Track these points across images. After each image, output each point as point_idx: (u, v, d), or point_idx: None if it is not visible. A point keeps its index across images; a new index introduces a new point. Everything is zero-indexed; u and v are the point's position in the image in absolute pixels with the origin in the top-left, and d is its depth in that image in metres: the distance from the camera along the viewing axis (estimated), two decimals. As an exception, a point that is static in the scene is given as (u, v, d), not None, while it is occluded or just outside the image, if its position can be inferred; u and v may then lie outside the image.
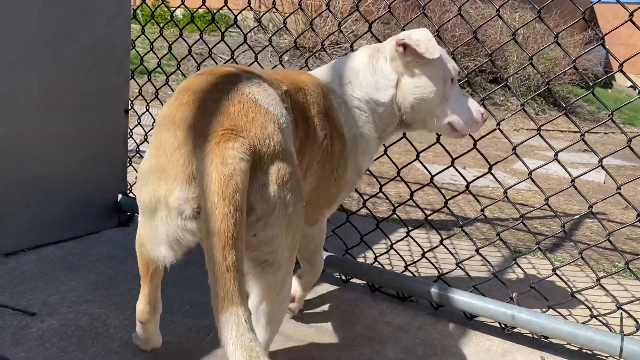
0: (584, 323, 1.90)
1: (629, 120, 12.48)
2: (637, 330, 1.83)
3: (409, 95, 1.69)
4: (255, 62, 2.55)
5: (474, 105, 1.77)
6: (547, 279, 2.22)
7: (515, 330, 2.05)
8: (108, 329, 1.91)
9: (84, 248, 2.60)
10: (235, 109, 1.20)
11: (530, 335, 2.04)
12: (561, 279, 2.07)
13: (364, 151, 1.77)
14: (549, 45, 1.91)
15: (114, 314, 2.01)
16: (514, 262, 2.12)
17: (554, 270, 2.00)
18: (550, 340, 2.00)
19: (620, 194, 1.83)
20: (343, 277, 2.41)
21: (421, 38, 1.62)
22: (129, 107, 2.88)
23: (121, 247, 2.65)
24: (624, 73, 1.83)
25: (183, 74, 3.05)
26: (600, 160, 1.88)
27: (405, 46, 1.64)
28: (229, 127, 1.15)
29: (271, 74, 1.58)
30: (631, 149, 1.81)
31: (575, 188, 1.92)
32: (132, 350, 1.79)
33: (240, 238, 1.08)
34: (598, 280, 1.91)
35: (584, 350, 1.95)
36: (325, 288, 2.37)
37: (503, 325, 2.06)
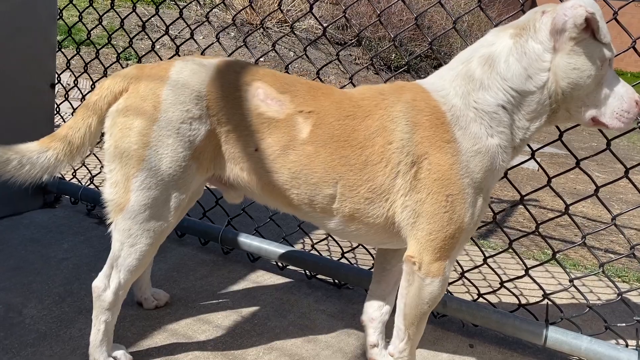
0: (512, 311, 1.95)
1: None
2: (562, 319, 1.89)
3: (563, 79, 1.40)
4: (191, 38, 2.44)
5: (627, 91, 1.44)
6: (480, 267, 2.26)
7: (447, 317, 2.07)
8: (24, 319, 1.79)
9: (4, 230, 2.44)
10: None
11: (461, 322, 2.07)
12: (491, 268, 2.10)
13: (492, 170, 1.45)
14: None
15: (33, 303, 1.89)
16: (447, 250, 2.13)
17: (484, 260, 2.03)
18: (479, 327, 2.04)
19: (550, 187, 1.88)
20: (280, 264, 2.37)
21: (597, 12, 1.33)
22: (56, 81, 2.70)
23: (45, 230, 2.51)
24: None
25: (115, 49, 2.88)
26: (533, 153, 1.92)
27: (588, 21, 1.34)
28: None
29: (357, 91, 1.56)
30: (562, 142, 1.85)
31: (508, 180, 1.94)
32: (49, 342, 1.68)
33: None
34: (526, 270, 1.95)
35: (511, 338, 1.99)
36: (260, 275, 2.32)
37: (435, 313, 2.08)
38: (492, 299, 2.23)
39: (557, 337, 1.83)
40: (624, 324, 1.86)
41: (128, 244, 1.51)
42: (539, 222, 1.94)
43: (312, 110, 1.49)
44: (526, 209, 1.96)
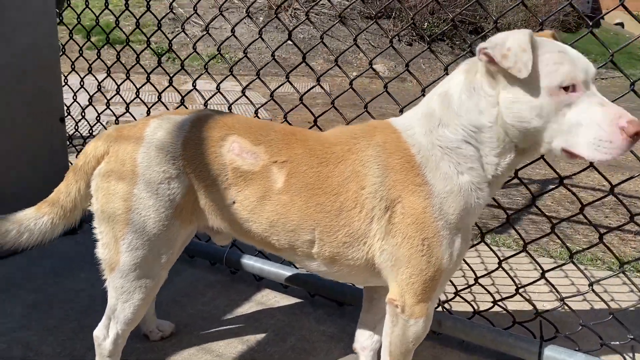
0: (507, 328, 1.94)
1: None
2: (555, 336, 1.87)
3: (507, 114, 1.33)
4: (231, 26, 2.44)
5: (607, 116, 1.26)
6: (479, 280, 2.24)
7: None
8: (40, 358, 1.93)
9: (30, 264, 2.59)
10: None
11: (461, 339, 2.08)
12: (483, 287, 2.08)
13: (467, 208, 1.42)
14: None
15: (49, 340, 2.03)
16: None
17: (476, 280, 2.02)
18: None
19: (561, 184, 1.82)
20: (283, 283, 2.42)
21: (514, 46, 1.26)
22: (65, 115, 2.82)
23: (67, 259, 2.65)
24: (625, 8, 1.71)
25: (125, 67, 2.96)
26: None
27: (488, 56, 1.30)
28: None
29: (330, 135, 1.57)
30: None
31: (545, 163, 1.87)
32: (60, 383, 1.81)
33: None
34: (517, 289, 1.93)
35: (509, 354, 1.98)
36: (265, 294, 2.39)
37: (433, 330, 2.09)
38: (487, 318, 2.20)
39: (552, 355, 1.82)
40: (617, 343, 1.82)
41: (122, 300, 1.60)
42: (554, 223, 1.85)
43: (286, 159, 1.51)
44: (540, 211, 1.92)
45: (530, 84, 1.29)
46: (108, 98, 3.07)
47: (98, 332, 1.67)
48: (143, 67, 2.80)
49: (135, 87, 2.84)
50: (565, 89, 1.27)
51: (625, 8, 1.71)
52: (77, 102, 3.04)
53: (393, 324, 1.54)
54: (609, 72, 11.96)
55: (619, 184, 1.75)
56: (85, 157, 1.61)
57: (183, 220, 1.57)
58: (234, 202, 1.54)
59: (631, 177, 1.83)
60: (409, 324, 1.50)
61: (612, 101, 1.32)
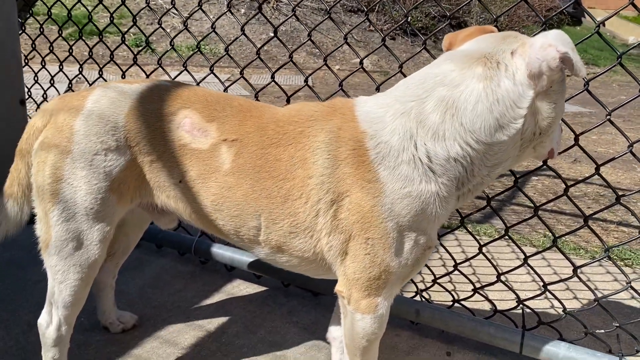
0: (488, 317, 1.84)
1: (593, 60, 12.37)
2: (538, 325, 1.78)
3: (545, 119, 1.27)
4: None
5: None
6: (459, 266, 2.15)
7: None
8: (-11, 353, 1.80)
9: (-15, 255, 2.45)
10: None
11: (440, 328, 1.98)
12: (463, 274, 1.98)
13: (426, 215, 1.29)
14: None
15: (0, 333, 1.89)
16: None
17: (455, 266, 1.92)
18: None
19: (548, 166, 1.72)
20: (255, 273, 2.31)
21: (570, 49, 1.18)
22: (26, 97, 2.67)
23: (25, 250, 2.50)
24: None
25: (99, 64, 2.81)
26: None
27: (564, 60, 1.19)
28: None
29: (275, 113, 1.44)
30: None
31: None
32: (9, 379, 1.68)
33: None
34: (498, 275, 1.84)
35: (490, 344, 1.89)
36: (236, 285, 2.27)
37: (411, 320, 1.99)
38: (466, 307, 2.11)
39: (534, 344, 1.73)
40: (602, 331, 1.73)
41: (58, 280, 1.50)
42: (537, 206, 1.75)
43: (236, 137, 1.39)
44: (523, 192, 1.83)
45: (564, 87, 1.29)
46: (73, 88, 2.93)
47: (41, 320, 1.57)
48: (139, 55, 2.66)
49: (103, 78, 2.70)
50: None
51: (635, 7, 1.60)
52: (39, 83, 2.88)
53: (344, 316, 1.46)
54: (589, 67, 12.02)
55: (604, 163, 1.67)
56: (29, 130, 1.51)
57: (121, 196, 1.46)
58: (180, 181, 1.44)
59: (613, 158, 1.72)
60: (356, 318, 1.39)
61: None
